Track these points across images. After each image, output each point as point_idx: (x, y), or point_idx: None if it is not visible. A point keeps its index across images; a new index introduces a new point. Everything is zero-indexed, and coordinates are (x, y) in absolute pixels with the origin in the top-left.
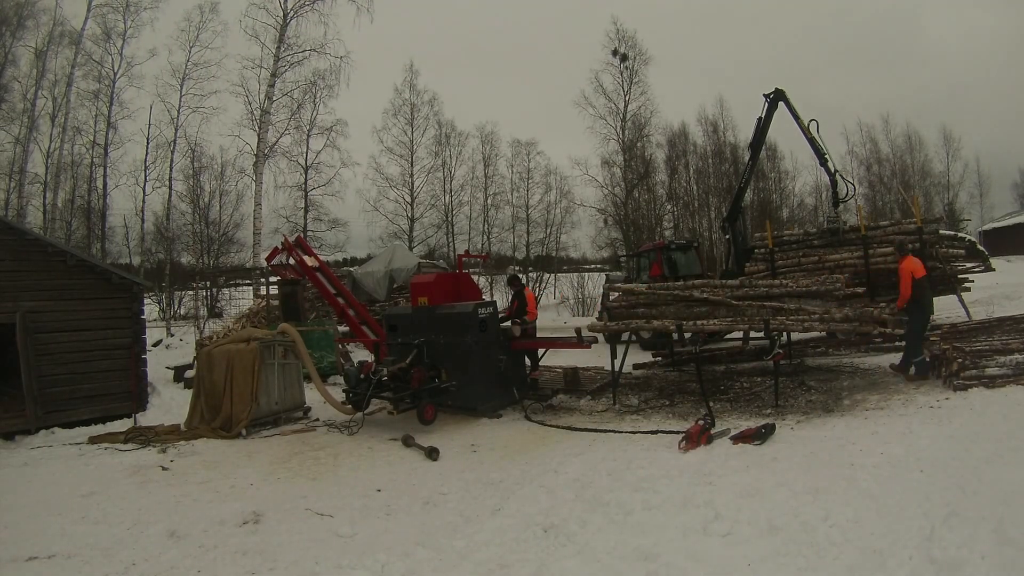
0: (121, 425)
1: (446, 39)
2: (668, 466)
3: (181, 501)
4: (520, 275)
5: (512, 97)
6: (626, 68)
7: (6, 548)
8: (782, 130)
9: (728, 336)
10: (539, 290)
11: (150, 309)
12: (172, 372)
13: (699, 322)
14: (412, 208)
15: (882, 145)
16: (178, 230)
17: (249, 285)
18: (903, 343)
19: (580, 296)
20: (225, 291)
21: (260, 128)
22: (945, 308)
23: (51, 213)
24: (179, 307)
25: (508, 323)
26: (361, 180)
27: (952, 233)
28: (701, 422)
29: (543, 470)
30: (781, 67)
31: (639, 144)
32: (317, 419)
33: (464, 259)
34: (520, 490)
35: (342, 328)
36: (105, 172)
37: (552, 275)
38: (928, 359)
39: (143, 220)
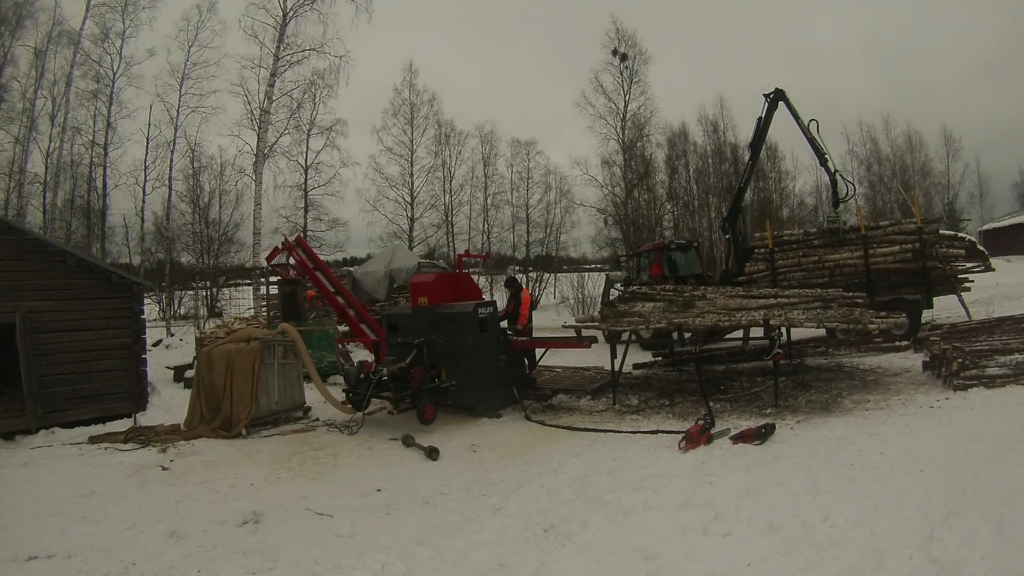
0: (121, 425)
1: (446, 37)
2: (668, 466)
3: (181, 501)
4: (518, 276)
5: (512, 97)
6: (626, 68)
7: (6, 548)
8: (782, 130)
9: (728, 336)
10: (539, 290)
11: (150, 309)
12: (172, 372)
13: (697, 319)
14: (412, 208)
15: (882, 145)
16: (178, 230)
17: (249, 285)
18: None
19: (580, 296)
20: (225, 291)
21: (260, 128)
22: (945, 308)
23: (51, 213)
24: (179, 307)
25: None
26: (361, 180)
27: (952, 233)
28: (701, 422)
29: (543, 470)
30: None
31: (639, 144)
32: (317, 419)
33: (464, 259)
34: (520, 490)
35: (342, 328)
36: (105, 172)
37: (552, 275)
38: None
39: (143, 220)
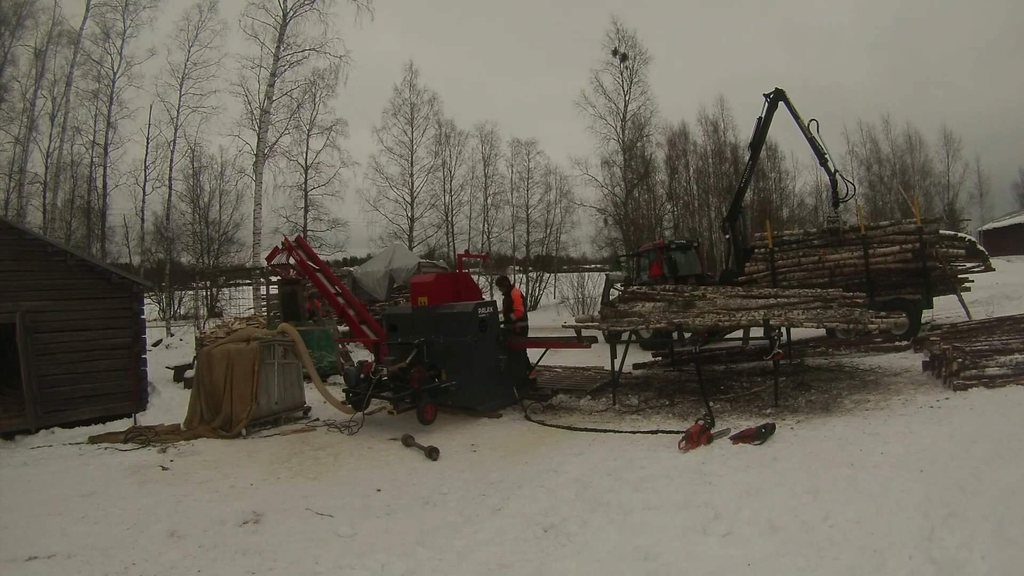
0: (121, 425)
1: (446, 36)
2: (668, 466)
3: (181, 501)
4: (509, 276)
5: (512, 96)
6: (626, 68)
7: (6, 548)
8: (783, 130)
9: (728, 336)
10: (539, 290)
11: (150, 309)
12: (172, 372)
13: (697, 319)
14: (412, 208)
15: (882, 145)
16: (178, 230)
17: (249, 285)
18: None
19: (580, 296)
20: (225, 291)
21: (260, 128)
22: (945, 308)
23: (51, 213)
24: (179, 307)
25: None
26: (361, 180)
27: (952, 233)
28: (701, 422)
29: (543, 470)
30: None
31: (639, 144)
32: (317, 419)
33: (464, 259)
34: (520, 490)
35: (342, 328)
36: (105, 172)
37: (552, 275)
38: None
39: (143, 220)
